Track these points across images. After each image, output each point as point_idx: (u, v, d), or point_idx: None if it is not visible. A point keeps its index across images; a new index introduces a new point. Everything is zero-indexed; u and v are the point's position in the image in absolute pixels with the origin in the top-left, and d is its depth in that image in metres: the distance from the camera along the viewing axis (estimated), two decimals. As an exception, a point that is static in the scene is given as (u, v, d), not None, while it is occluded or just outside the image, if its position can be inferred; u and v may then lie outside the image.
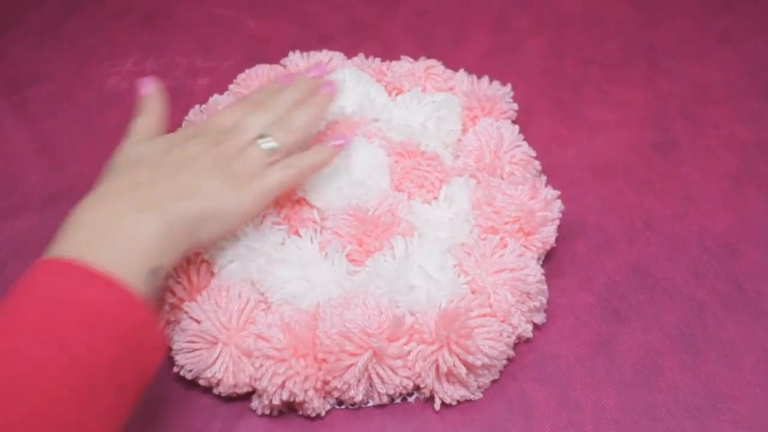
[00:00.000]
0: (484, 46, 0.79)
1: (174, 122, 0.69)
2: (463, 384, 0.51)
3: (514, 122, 0.66)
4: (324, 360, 0.50)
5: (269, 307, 0.54)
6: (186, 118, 0.69)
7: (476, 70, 0.71)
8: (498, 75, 0.70)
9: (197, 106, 0.70)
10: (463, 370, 0.50)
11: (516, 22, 0.82)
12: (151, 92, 0.58)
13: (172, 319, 0.54)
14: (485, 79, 0.69)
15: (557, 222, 0.58)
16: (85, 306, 0.40)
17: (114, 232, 0.45)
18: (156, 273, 0.45)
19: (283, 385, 0.50)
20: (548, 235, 0.57)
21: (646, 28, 0.80)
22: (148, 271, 0.44)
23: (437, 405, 0.51)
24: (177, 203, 0.48)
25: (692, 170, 0.66)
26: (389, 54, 0.74)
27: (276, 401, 0.50)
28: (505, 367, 0.53)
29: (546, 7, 0.84)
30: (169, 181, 0.49)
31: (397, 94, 0.68)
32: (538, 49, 0.79)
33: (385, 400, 0.51)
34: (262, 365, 0.50)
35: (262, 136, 0.54)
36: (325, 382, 0.50)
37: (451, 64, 0.72)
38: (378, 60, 0.73)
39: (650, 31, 0.80)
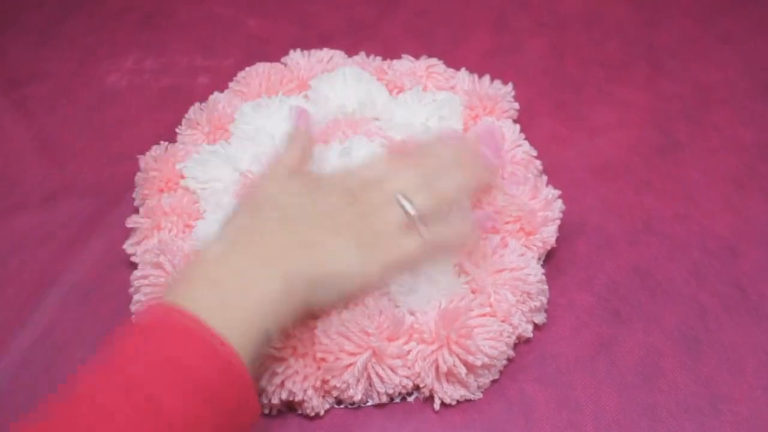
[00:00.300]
0: (484, 46, 0.79)
1: (174, 120, 0.69)
2: (463, 384, 0.51)
3: (515, 122, 0.66)
4: (323, 359, 0.50)
5: (268, 305, 0.54)
6: (186, 116, 0.69)
7: (476, 70, 0.71)
8: (498, 75, 0.69)
9: (197, 104, 0.69)
10: (462, 370, 0.50)
11: (516, 23, 0.82)
12: (304, 125, 0.56)
13: (171, 317, 0.54)
14: (486, 78, 0.69)
15: (558, 222, 0.58)
16: (185, 367, 0.38)
17: (232, 287, 0.43)
18: (267, 333, 0.43)
19: (282, 385, 0.49)
20: (549, 235, 0.57)
21: (646, 28, 0.80)
22: (260, 331, 0.43)
23: (437, 405, 0.51)
24: (302, 263, 0.45)
25: (693, 171, 0.66)
26: (389, 54, 0.74)
27: (275, 400, 0.50)
28: (505, 367, 0.53)
29: (546, 8, 0.83)
30: (299, 236, 0.47)
31: (398, 93, 0.68)
32: (539, 49, 0.79)
33: (385, 399, 0.51)
34: (261, 364, 0.50)
35: (403, 197, 0.49)
36: (324, 382, 0.50)
37: (451, 64, 0.71)
38: (379, 59, 0.73)
39: (651, 32, 0.80)
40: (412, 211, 0.49)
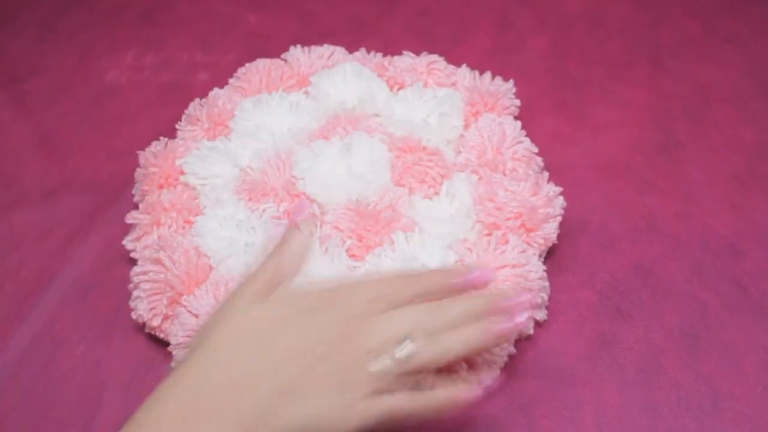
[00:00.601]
0: (486, 45, 0.79)
1: (174, 116, 0.69)
2: (464, 380, 0.50)
3: (516, 119, 0.66)
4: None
5: (268, 301, 0.53)
6: (186, 112, 0.68)
7: (477, 68, 0.70)
8: (499, 74, 0.69)
9: (197, 100, 0.69)
10: (464, 366, 0.49)
11: (518, 21, 0.82)
12: (298, 224, 0.49)
13: (171, 313, 0.54)
14: (487, 74, 0.69)
15: (559, 219, 0.58)
16: None
17: None
18: None
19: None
20: (550, 231, 0.57)
21: (649, 28, 0.80)
22: None
23: (437, 402, 0.51)
24: (271, 415, 0.40)
25: (695, 170, 0.66)
26: (390, 52, 0.73)
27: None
28: (506, 363, 0.52)
29: (548, 7, 0.83)
30: (271, 378, 0.41)
31: (398, 89, 0.67)
32: (540, 48, 0.78)
33: (385, 396, 0.51)
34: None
35: (402, 342, 0.43)
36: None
37: (452, 62, 0.71)
38: (380, 55, 0.72)
39: (653, 32, 0.80)
40: (408, 358, 0.43)
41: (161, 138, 0.65)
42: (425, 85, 0.68)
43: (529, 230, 0.56)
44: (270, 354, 0.41)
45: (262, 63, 0.71)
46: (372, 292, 0.45)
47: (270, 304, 0.44)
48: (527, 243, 0.56)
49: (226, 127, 0.65)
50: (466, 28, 0.81)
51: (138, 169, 0.64)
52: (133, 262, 0.59)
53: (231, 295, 0.45)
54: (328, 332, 0.43)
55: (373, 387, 0.42)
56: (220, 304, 0.44)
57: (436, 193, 0.59)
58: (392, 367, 0.42)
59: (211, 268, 0.55)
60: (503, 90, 0.67)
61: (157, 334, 0.55)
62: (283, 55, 0.72)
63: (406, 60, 0.70)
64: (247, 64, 0.71)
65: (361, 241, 0.56)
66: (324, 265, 0.54)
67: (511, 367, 0.53)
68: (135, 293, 0.55)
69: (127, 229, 0.61)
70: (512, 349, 0.53)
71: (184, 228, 0.59)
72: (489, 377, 0.46)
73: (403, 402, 0.43)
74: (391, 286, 0.46)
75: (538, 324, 0.55)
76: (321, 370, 0.41)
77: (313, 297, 0.45)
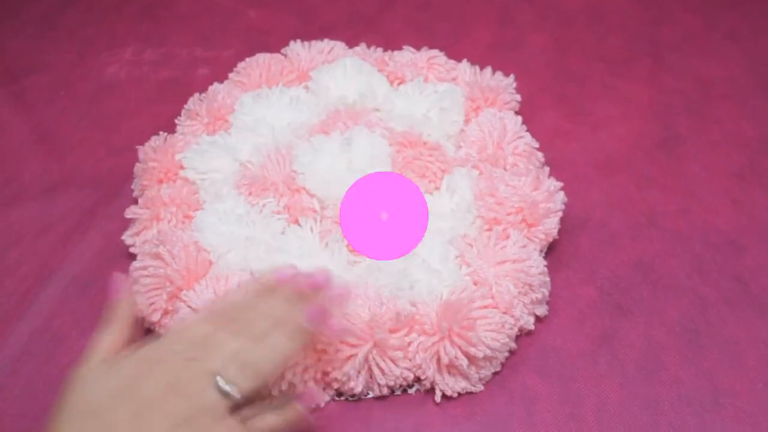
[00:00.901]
0: (486, 40, 0.79)
1: (173, 112, 0.69)
2: (465, 376, 0.50)
3: (517, 114, 0.66)
4: (323, 351, 0.49)
5: (268, 297, 0.53)
6: (185, 107, 0.68)
7: (478, 64, 0.70)
8: (500, 69, 0.69)
9: (196, 95, 0.69)
10: (464, 362, 0.49)
11: (518, 17, 0.82)
12: (121, 295, 0.50)
13: (170, 308, 0.54)
14: (488, 69, 0.69)
15: (560, 214, 0.57)
16: None
17: None
18: None
19: (282, 376, 0.49)
20: (551, 226, 0.57)
21: (650, 24, 0.80)
22: None
23: (438, 397, 0.50)
24: None
25: (695, 166, 0.66)
26: (390, 47, 0.73)
27: (275, 392, 0.49)
28: (507, 359, 0.52)
29: (549, 3, 0.83)
30: None
31: (399, 84, 0.67)
32: (541, 44, 0.78)
33: (386, 391, 0.51)
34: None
35: (220, 376, 0.43)
36: (325, 373, 0.50)
37: (453, 57, 0.71)
38: (380, 50, 0.72)
39: (653, 28, 0.80)
40: (229, 391, 0.43)
41: (161, 133, 0.65)
42: (426, 80, 0.68)
43: (530, 225, 0.56)
44: (105, 426, 0.41)
45: (262, 58, 0.71)
46: (202, 328, 0.45)
47: (111, 370, 0.44)
48: (528, 238, 0.56)
49: (226, 121, 0.65)
50: (466, 24, 0.81)
51: (137, 164, 0.64)
52: (133, 257, 0.58)
53: (74, 374, 0.45)
54: (162, 383, 0.42)
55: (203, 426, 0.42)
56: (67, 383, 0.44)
57: (437, 188, 0.59)
58: (219, 401, 0.42)
59: (210, 262, 0.55)
60: (504, 85, 0.67)
61: (156, 329, 0.54)
62: (283, 50, 0.72)
63: (406, 55, 0.70)
64: (247, 59, 0.71)
65: (361, 236, 0.56)
66: (324, 260, 0.54)
67: (512, 362, 0.53)
68: (134, 288, 0.55)
69: (127, 224, 0.61)
70: (513, 345, 0.52)
71: (183, 223, 0.58)
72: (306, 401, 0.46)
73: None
74: (206, 323, 0.46)
75: (539, 320, 0.55)
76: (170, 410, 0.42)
77: (151, 350, 0.45)
